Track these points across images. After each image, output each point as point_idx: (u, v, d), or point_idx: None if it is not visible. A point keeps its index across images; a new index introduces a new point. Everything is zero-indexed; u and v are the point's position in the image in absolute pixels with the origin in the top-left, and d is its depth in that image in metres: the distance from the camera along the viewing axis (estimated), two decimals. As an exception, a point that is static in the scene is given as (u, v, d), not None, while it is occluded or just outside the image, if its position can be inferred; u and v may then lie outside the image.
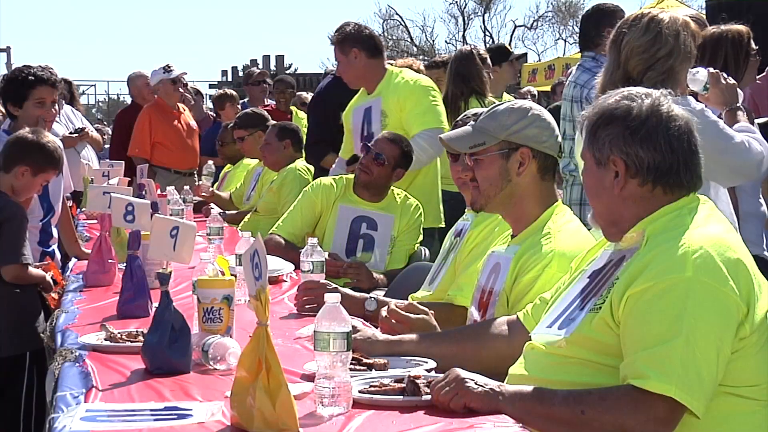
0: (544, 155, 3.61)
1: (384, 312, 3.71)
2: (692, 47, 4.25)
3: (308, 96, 11.86)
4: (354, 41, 6.49)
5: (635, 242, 2.84)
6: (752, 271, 2.74)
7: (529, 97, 14.39)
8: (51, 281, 5.28)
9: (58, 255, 5.85)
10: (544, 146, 3.60)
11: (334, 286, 4.29)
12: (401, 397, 2.76)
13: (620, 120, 2.84)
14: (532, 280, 3.49)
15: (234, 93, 12.21)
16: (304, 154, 7.59)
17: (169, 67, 10.46)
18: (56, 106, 6.19)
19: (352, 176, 5.92)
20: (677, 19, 4.25)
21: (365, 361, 3.10)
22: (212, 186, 9.41)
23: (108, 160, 9.07)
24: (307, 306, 4.19)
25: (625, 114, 2.84)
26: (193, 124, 10.84)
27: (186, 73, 10.64)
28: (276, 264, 5.02)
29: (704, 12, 9.53)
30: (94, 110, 44.31)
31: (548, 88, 19.86)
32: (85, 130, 9.98)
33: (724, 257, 2.69)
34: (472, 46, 8.00)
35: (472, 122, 3.74)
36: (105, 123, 23.57)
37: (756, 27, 5.31)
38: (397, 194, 5.92)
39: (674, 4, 15.01)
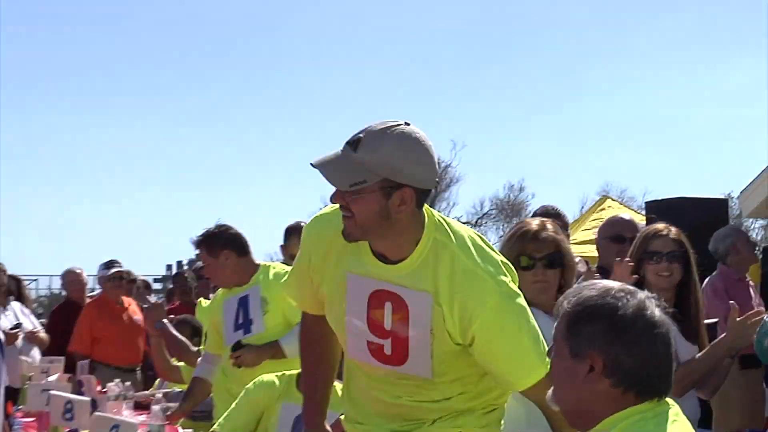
0: (424, 190, 3.39)
1: None
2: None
3: None
4: (224, 243, 6.38)
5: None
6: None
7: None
8: None
9: None
10: (426, 183, 3.36)
11: None
12: None
13: (606, 318, 2.74)
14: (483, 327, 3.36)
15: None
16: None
17: (110, 263, 10.55)
18: None
19: (295, 372, 5.84)
20: (536, 225, 4.39)
21: None
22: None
23: (48, 357, 8.97)
24: None
25: (611, 312, 2.74)
26: (138, 319, 10.78)
27: (126, 272, 10.70)
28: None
29: (643, 212, 9.75)
30: (35, 305, 43.88)
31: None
32: (35, 331, 9.95)
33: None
34: None
35: (351, 149, 3.32)
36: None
37: (686, 225, 5.30)
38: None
39: (614, 205, 15.40)
